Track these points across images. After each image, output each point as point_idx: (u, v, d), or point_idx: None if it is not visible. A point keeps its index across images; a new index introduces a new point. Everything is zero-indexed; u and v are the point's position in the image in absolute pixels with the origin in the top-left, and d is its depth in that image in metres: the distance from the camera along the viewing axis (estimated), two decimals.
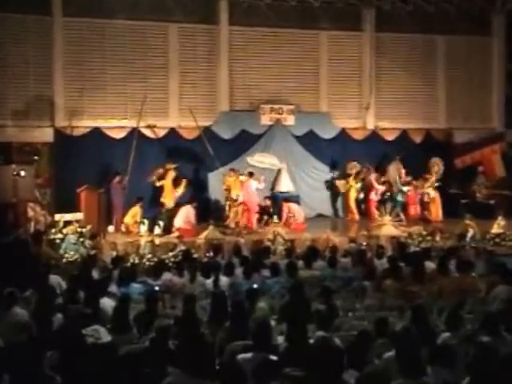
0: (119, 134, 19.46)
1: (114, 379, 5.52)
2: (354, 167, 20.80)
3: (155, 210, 18.17)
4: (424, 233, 16.16)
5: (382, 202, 19.92)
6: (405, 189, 20.23)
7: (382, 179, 20.61)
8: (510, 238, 16.28)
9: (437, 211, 20.37)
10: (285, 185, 20.33)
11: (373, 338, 6.91)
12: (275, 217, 18.33)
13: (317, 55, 21.76)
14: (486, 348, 6.27)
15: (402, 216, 19.61)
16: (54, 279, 10.68)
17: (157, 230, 16.75)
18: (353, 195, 20.62)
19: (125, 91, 19.90)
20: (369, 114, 22.05)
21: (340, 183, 20.92)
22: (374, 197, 20.30)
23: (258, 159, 19.52)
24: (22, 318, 8.04)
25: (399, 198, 20.20)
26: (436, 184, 20.50)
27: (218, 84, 20.81)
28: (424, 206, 20.49)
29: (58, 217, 15.69)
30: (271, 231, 16.27)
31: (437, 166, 20.76)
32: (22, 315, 8.14)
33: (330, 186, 21.29)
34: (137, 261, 13.52)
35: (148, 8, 20.05)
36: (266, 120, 20.95)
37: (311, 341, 6.82)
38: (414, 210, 20.47)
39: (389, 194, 20.32)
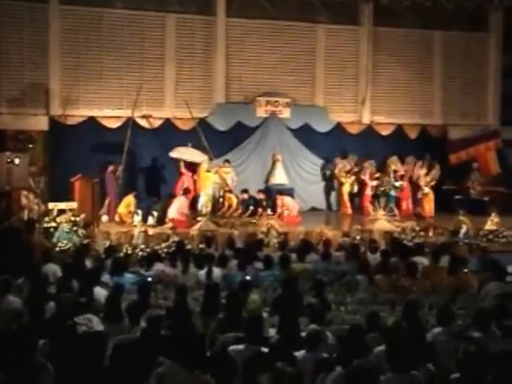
0: (114, 124, 19.40)
1: (106, 368, 5.54)
2: (347, 163, 20.80)
3: (149, 201, 18.13)
4: (417, 228, 16.18)
5: (375, 197, 19.93)
6: (397, 184, 20.23)
7: (376, 175, 20.56)
8: (503, 235, 16.33)
9: (430, 207, 20.40)
10: (279, 177, 20.29)
11: (364, 332, 6.94)
12: (269, 209, 18.32)
13: (314, 48, 21.71)
14: (476, 344, 6.31)
15: (396, 211, 19.62)
16: (51, 268, 10.68)
17: (150, 221, 16.73)
18: (346, 189, 20.61)
19: (121, 81, 19.84)
20: (365, 109, 22.04)
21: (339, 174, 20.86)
22: (368, 191, 20.26)
23: (180, 152, 18.73)
24: (14, 305, 8.05)
25: (392, 192, 20.20)
26: (431, 184, 20.55)
27: (214, 76, 20.76)
28: (417, 201, 20.50)
29: (51, 205, 15.63)
30: (265, 224, 16.26)
31: (435, 170, 20.77)
32: (15, 303, 8.15)
33: (329, 178, 21.24)
34: (130, 251, 13.51)
35: None
36: (261, 112, 20.90)
37: (303, 334, 6.85)
38: (407, 205, 20.46)
39: (382, 188, 20.27)
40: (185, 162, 18.63)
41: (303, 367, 6.02)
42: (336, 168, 20.80)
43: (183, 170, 18.54)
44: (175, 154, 18.60)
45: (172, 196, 17.99)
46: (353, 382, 5.08)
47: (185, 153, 18.68)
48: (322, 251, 12.49)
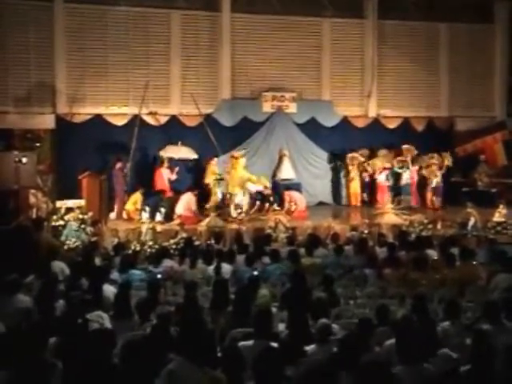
0: (121, 121, 19.46)
1: (116, 366, 5.54)
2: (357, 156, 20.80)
3: (156, 197, 18.17)
4: (425, 221, 16.15)
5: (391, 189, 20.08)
6: (400, 170, 20.37)
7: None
8: (511, 227, 16.27)
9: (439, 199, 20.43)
10: (286, 172, 20.30)
11: (374, 326, 6.94)
12: (276, 204, 18.35)
13: (319, 43, 21.71)
14: (486, 336, 6.30)
15: (409, 201, 19.69)
16: (58, 265, 10.70)
17: (158, 217, 16.77)
18: (356, 182, 20.61)
19: (126, 78, 19.87)
20: (371, 102, 22.01)
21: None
22: (382, 180, 20.24)
23: (172, 151, 19.01)
24: (24, 304, 8.06)
25: (406, 179, 20.26)
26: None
27: (219, 71, 20.77)
28: (429, 193, 20.50)
29: (59, 203, 15.73)
30: (273, 219, 16.27)
31: (447, 160, 20.65)
32: (24, 302, 8.17)
33: (338, 171, 21.27)
34: (138, 248, 13.53)
35: None
36: (267, 107, 20.93)
37: (312, 329, 6.85)
38: (417, 198, 20.49)
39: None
40: (170, 160, 18.80)
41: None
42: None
43: (165, 167, 18.64)
44: (167, 153, 18.71)
45: (158, 191, 18.08)
46: (365, 376, 5.07)
47: (176, 151, 18.77)
48: (335, 246, 12.44)
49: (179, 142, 18.92)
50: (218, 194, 18.11)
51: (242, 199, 17.90)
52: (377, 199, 20.25)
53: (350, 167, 20.71)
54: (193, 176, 19.60)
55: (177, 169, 18.82)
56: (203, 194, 18.55)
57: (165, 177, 18.59)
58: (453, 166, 20.82)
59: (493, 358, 5.61)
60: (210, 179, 18.60)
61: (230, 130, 20.31)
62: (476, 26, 22.81)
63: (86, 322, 6.85)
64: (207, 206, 17.90)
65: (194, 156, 19.13)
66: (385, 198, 19.69)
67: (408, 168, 20.43)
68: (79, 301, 7.69)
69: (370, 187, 20.82)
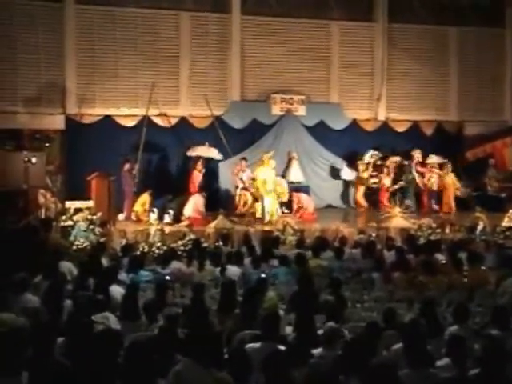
0: (130, 122, 19.50)
1: (123, 366, 5.54)
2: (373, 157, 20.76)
3: (164, 199, 18.16)
4: (434, 225, 16.08)
5: (392, 194, 19.95)
6: (410, 176, 20.37)
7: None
8: None
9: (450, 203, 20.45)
10: (295, 175, 20.23)
11: (381, 330, 6.92)
12: (284, 207, 18.31)
13: (328, 45, 21.69)
14: (495, 340, 6.27)
15: (413, 207, 19.62)
16: (65, 266, 10.71)
17: (166, 219, 16.77)
18: (363, 186, 20.60)
19: (136, 79, 19.89)
20: (380, 106, 21.97)
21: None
22: (387, 183, 20.24)
23: (202, 151, 18.81)
24: (32, 304, 8.08)
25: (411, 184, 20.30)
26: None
27: (229, 73, 20.78)
28: (437, 197, 20.47)
29: (68, 204, 15.75)
30: (281, 221, 16.25)
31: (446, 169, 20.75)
32: (32, 301, 8.18)
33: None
34: (146, 249, 13.54)
35: None
36: (276, 110, 20.90)
37: (319, 331, 6.83)
38: (426, 201, 20.48)
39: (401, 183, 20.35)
40: (202, 160, 18.60)
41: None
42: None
43: (199, 167, 18.45)
44: (194, 152, 18.66)
45: (189, 194, 18.02)
46: (372, 379, 5.06)
47: (204, 151, 18.76)
48: (336, 249, 12.43)
49: (206, 143, 18.80)
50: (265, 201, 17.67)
51: (271, 204, 17.68)
52: (380, 202, 20.24)
53: (362, 169, 20.66)
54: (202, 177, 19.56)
55: (203, 171, 18.68)
56: (212, 196, 18.62)
57: (196, 180, 18.39)
58: (462, 171, 20.81)
59: (503, 363, 5.58)
60: (262, 185, 17.80)
61: (239, 132, 20.30)
62: (486, 29, 22.71)
63: (92, 323, 6.85)
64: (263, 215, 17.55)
65: (220, 156, 19.12)
66: (385, 201, 19.78)
67: (410, 173, 20.49)
68: (87, 301, 7.70)
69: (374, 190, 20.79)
